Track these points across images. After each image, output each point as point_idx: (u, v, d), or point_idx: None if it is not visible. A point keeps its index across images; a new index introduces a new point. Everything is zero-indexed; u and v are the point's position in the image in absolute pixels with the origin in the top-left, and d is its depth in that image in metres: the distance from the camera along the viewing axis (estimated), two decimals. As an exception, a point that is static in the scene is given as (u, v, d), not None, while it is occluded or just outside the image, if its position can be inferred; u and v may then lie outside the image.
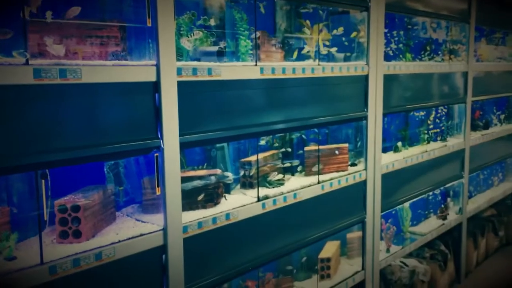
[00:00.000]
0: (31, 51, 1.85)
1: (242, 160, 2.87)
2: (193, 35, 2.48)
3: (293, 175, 3.19)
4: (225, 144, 2.85)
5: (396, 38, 3.84)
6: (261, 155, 2.88)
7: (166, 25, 2.16)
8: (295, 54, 3.10)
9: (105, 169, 2.40)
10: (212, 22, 2.56)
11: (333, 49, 3.29)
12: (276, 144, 3.14)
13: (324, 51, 3.16)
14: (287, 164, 3.16)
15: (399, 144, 4.01)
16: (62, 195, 2.13)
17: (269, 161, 2.97)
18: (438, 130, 4.53)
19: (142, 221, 2.33)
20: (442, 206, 4.72)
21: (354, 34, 3.35)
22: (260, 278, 2.91)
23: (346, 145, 3.37)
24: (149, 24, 2.13)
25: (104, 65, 2.00)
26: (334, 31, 3.30)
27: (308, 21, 3.19)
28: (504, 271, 5.14)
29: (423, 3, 4.07)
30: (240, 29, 2.78)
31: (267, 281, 2.96)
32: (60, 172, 2.03)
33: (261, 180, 2.85)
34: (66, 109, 1.90)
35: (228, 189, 2.77)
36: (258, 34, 2.73)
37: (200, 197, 2.48)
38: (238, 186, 2.87)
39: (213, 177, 2.57)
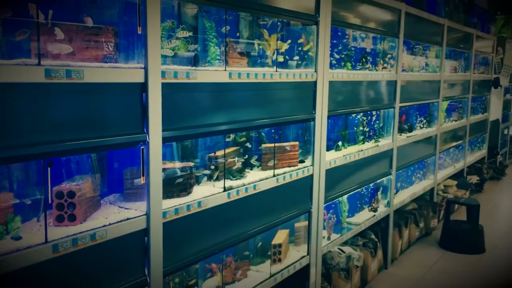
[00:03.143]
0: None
1: (209, 155, 3.17)
2: (171, 43, 2.75)
3: (251, 169, 3.54)
4: (173, 143, 3.10)
5: (341, 48, 4.31)
6: (222, 151, 3.20)
7: (154, 33, 2.43)
8: (259, 60, 3.45)
9: (90, 161, 2.62)
10: (186, 34, 2.84)
11: (295, 58, 3.68)
12: (243, 139, 3.46)
13: (281, 58, 3.53)
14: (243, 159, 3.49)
15: (340, 143, 4.48)
16: (53, 183, 2.33)
17: (232, 156, 3.30)
18: (372, 131, 5.08)
19: (125, 208, 2.58)
20: (373, 199, 5.28)
21: (307, 46, 3.76)
22: (223, 261, 3.24)
23: (297, 143, 3.78)
24: (139, 32, 2.39)
25: (102, 67, 2.24)
26: (289, 41, 3.69)
27: (266, 31, 3.56)
28: (423, 258, 5.81)
29: (362, 20, 4.58)
30: (210, 36, 3.09)
31: (228, 264, 3.29)
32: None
33: (226, 172, 3.18)
34: (68, 106, 2.13)
35: (197, 180, 3.07)
36: (227, 41, 3.05)
37: (175, 187, 2.76)
38: (205, 178, 3.17)
39: (186, 169, 2.86)
